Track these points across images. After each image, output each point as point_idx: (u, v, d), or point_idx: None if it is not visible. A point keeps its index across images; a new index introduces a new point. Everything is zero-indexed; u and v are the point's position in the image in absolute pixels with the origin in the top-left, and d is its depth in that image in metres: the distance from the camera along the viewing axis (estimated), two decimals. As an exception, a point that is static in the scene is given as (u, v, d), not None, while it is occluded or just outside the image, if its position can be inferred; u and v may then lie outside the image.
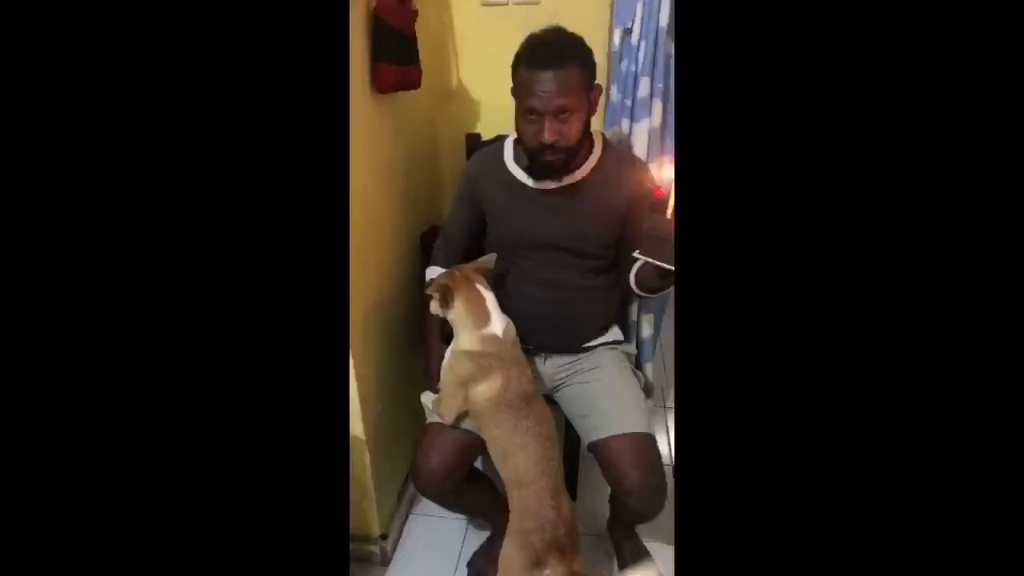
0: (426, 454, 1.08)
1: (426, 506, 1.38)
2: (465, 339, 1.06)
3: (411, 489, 1.46)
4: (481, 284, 1.07)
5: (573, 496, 1.45)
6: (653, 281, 1.05)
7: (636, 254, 0.95)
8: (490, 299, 1.07)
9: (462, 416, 1.09)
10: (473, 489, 1.18)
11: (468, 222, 1.21)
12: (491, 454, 1.05)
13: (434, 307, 1.09)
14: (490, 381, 1.03)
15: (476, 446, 1.11)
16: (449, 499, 1.15)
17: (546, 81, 0.97)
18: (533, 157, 1.06)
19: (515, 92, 1.03)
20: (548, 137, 1.00)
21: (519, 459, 1.01)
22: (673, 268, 0.90)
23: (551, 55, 0.98)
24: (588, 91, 1.02)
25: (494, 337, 1.05)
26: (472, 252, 1.21)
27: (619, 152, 1.19)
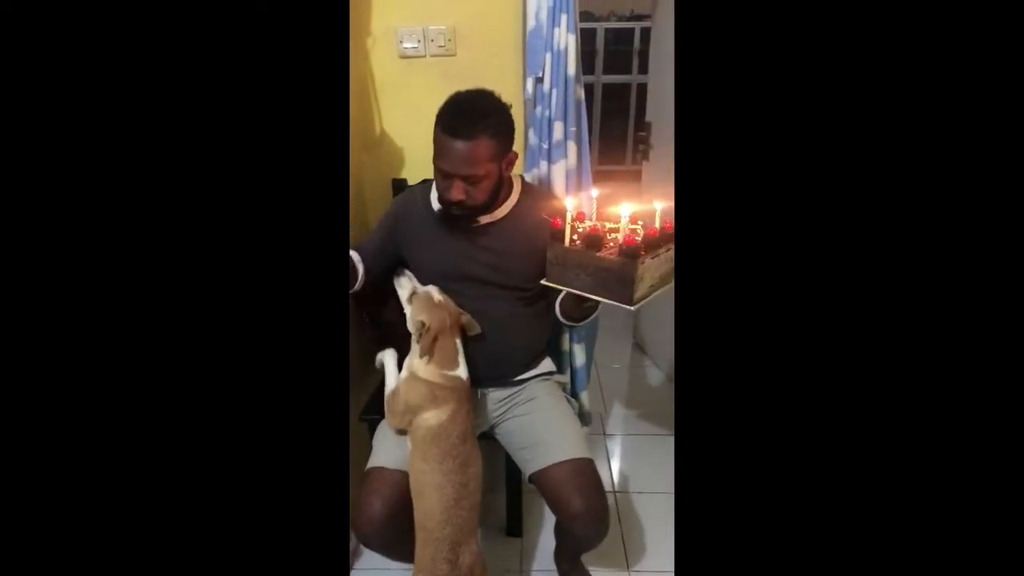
0: (368, 500, 1.06)
1: (370, 558, 1.33)
2: (426, 370, 1.07)
3: (351, 542, 1.40)
4: (459, 336, 1.10)
5: (518, 533, 1.45)
6: (575, 309, 1.11)
7: (543, 281, 1.00)
8: (461, 351, 1.10)
9: (403, 432, 1.10)
10: None
11: (379, 251, 1.23)
12: (411, 489, 1.05)
13: (411, 325, 1.10)
14: (439, 411, 1.04)
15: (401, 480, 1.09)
16: (394, 547, 1.12)
17: (456, 150, 1.03)
18: (443, 208, 1.13)
19: (433, 146, 1.08)
20: (455, 196, 1.07)
21: (430, 502, 1.02)
22: (580, 292, 0.95)
23: (464, 125, 1.03)
24: (500, 159, 1.08)
25: (456, 377, 1.08)
26: (379, 281, 1.24)
27: (538, 192, 1.26)
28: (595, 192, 1.05)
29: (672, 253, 0.98)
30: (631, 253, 0.87)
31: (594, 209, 1.01)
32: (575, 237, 0.94)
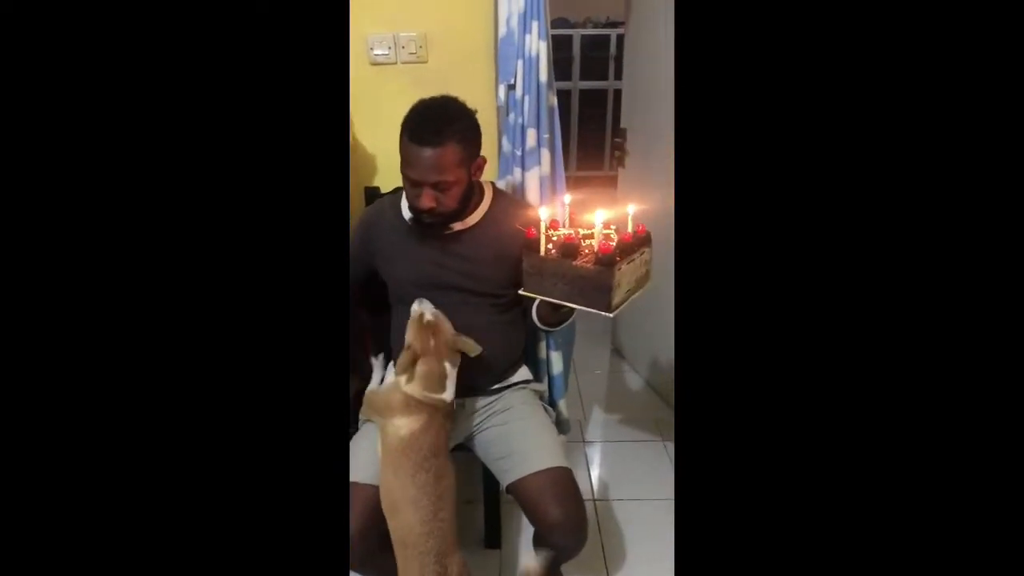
0: None
1: None
2: (408, 387, 1.04)
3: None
4: (450, 359, 1.06)
5: (497, 545, 1.43)
6: (551, 315, 1.10)
7: (521, 291, 1.00)
8: (452, 375, 1.06)
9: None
10: (392, 553, 1.13)
11: (357, 272, 1.21)
12: (382, 506, 1.03)
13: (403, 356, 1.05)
14: (411, 420, 1.02)
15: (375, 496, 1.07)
16: (368, 563, 1.09)
17: (424, 157, 1.02)
18: (415, 216, 1.11)
19: (400, 153, 1.06)
20: (425, 204, 1.06)
21: (408, 516, 0.99)
22: (557, 301, 0.95)
23: (430, 133, 1.02)
24: (468, 164, 1.08)
25: (440, 400, 1.05)
26: (364, 303, 1.22)
27: (509, 199, 1.26)
28: (568, 198, 1.04)
29: (647, 256, 0.99)
30: (607, 261, 0.87)
31: (567, 216, 1.01)
32: (550, 246, 0.94)
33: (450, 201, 1.08)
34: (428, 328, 1.05)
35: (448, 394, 1.06)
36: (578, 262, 0.90)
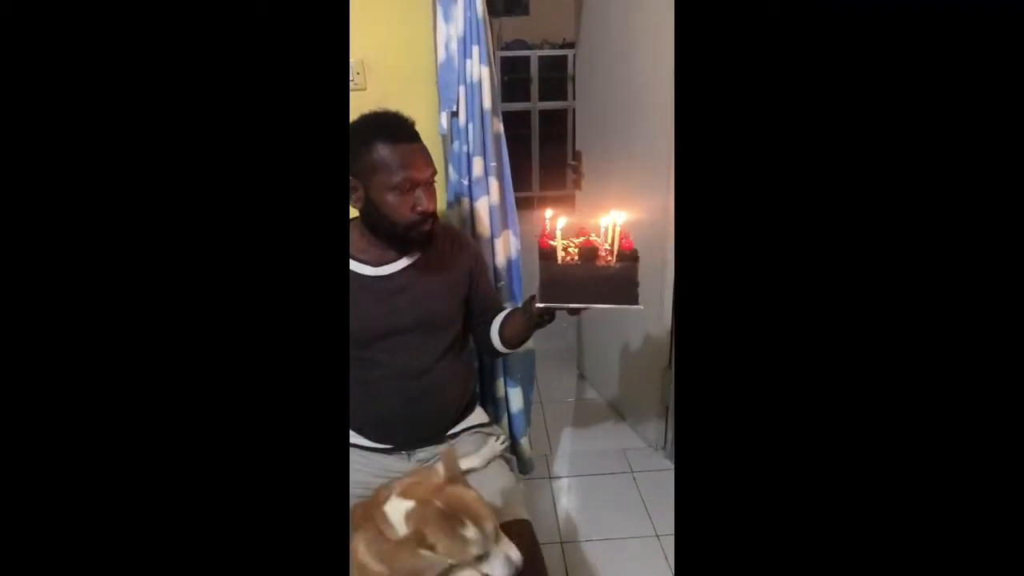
0: None
1: None
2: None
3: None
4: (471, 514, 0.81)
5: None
6: (521, 331, 1.09)
7: (538, 304, 0.96)
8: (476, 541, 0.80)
9: None
10: None
11: None
12: None
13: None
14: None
15: None
16: None
17: (417, 152, 1.00)
18: (408, 231, 1.02)
19: (372, 171, 0.98)
20: (430, 205, 1.01)
21: None
22: (582, 305, 0.95)
23: (410, 129, 1.01)
24: None
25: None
26: None
27: (446, 225, 1.21)
28: (549, 212, 1.02)
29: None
30: (632, 256, 0.92)
31: (549, 227, 0.98)
32: (562, 253, 0.94)
33: (436, 203, 1.04)
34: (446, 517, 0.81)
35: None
36: (600, 262, 0.92)
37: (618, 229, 0.93)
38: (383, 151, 0.97)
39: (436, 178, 1.04)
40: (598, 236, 0.97)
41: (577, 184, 2.02)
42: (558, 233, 0.93)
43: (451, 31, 1.22)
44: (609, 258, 0.92)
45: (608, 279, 0.92)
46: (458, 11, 1.20)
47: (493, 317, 1.17)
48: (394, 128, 0.99)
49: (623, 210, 0.95)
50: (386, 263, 1.07)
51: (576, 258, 0.93)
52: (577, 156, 2.03)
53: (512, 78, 4.37)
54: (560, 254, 0.93)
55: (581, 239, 0.97)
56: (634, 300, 0.93)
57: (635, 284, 0.92)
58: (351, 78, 1.35)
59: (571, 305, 0.96)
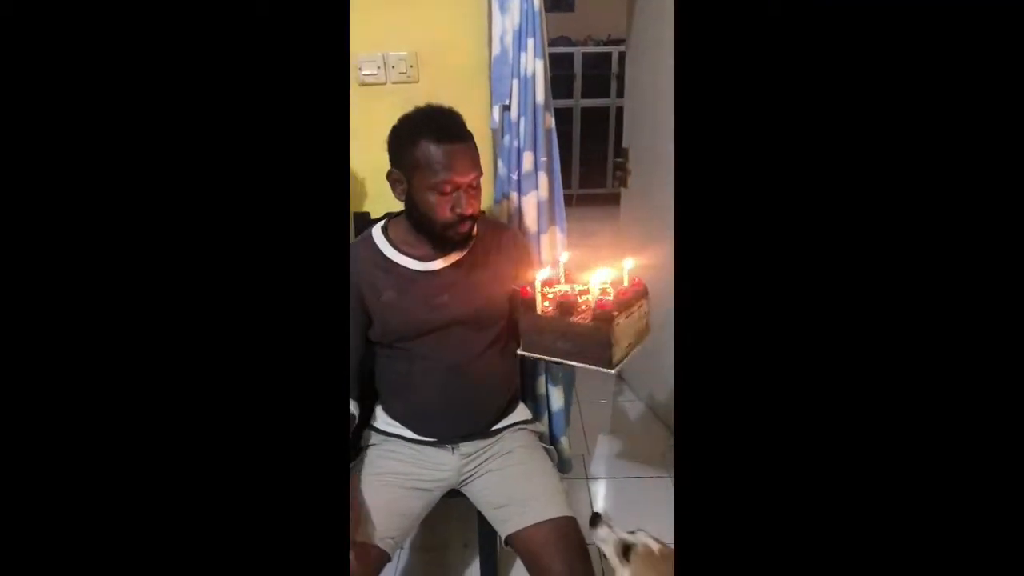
0: None
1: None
2: None
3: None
4: None
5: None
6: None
7: (519, 351, 0.96)
8: None
9: None
10: None
11: (360, 325, 1.09)
12: None
13: None
14: None
15: (379, 559, 0.99)
16: None
17: (463, 154, 0.97)
18: (444, 230, 1.01)
19: (415, 167, 0.98)
20: (469, 209, 0.99)
21: None
22: (558, 360, 0.93)
23: (459, 129, 0.98)
24: None
25: None
26: (365, 357, 1.13)
27: (488, 220, 1.20)
28: (564, 256, 1.02)
29: (645, 308, 0.96)
30: (605, 316, 0.85)
31: (562, 273, 0.98)
32: (547, 304, 0.92)
33: (479, 203, 1.03)
34: (664, 559, 0.86)
35: None
36: (576, 319, 0.88)
37: (599, 288, 0.90)
38: (427, 149, 0.96)
39: (484, 174, 1.03)
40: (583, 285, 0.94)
41: (623, 181, 2.00)
42: (538, 285, 0.91)
43: (507, 23, 1.21)
44: (586, 315, 0.88)
45: (580, 336, 0.87)
46: (514, 3, 1.19)
47: None
48: (442, 126, 0.97)
49: (610, 266, 0.93)
50: (433, 259, 1.07)
51: (553, 311, 0.90)
52: (624, 153, 2.00)
53: (554, 75, 4.35)
54: (539, 304, 0.90)
55: (563, 289, 0.95)
56: (605, 362, 0.87)
57: (607, 345, 0.86)
58: (403, 71, 1.36)
59: (548, 358, 0.94)
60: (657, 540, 0.89)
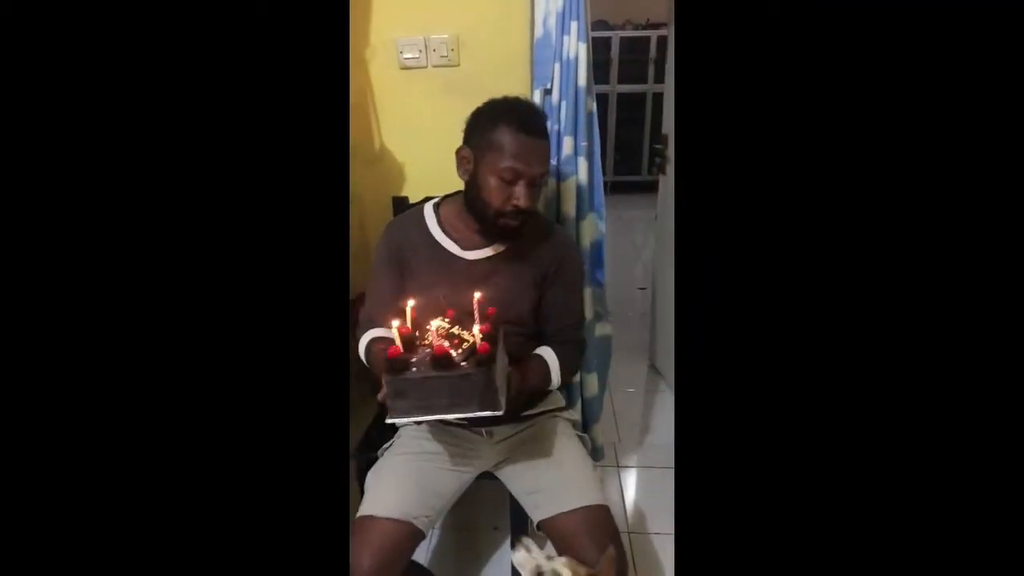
0: (356, 553, 0.97)
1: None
2: None
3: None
4: None
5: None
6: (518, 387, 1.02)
7: (387, 420, 0.88)
8: None
9: None
10: None
11: (397, 291, 1.11)
12: None
13: None
14: None
15: (413, 537, 1.00)
16: None
17: (536, 149, 0.98)
18: (496, 218, 1.02)
19: (485, 149, 0.99)
20: (525, 203, 0.99)
21: None
22: (439, 416, 0.86)
23: (539, 125, 1.00)
24: None
25: None
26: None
27: (550, 230, 1.16)
28: (411, 303, 0.93)
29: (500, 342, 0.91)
30: (489, 358, 0.82)
31: (408, 321, 0.91)
32: (413, 361, 0.84)
33: (536, 199, 1.03)
34: None
35: None
36: (453, 371, 0.82)
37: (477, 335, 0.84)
38: (503, 134, 0.97)
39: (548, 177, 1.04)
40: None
41: (662, 168, 1.96)
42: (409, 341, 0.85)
43: (550, 6, 1.20)
44: (463, 362, 0.83)
45: (460, 386, 0.82)
46: (558, -15, 1.17)
47: (552, 330, 1.13)
48: (524, 118, 0.99)
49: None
50: (473, 247, 1.07)
51: (426, 367, 0.82)
52: (663, 140, 1.96)
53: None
54: (412, 362, 0.83)
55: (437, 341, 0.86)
56: (496, 406, 0.83)
57: (493, 389, 0.82)
58: (444, 54, 1.35)
59: (429, 417, 0.87)
60: (581, 565, 0.86)
